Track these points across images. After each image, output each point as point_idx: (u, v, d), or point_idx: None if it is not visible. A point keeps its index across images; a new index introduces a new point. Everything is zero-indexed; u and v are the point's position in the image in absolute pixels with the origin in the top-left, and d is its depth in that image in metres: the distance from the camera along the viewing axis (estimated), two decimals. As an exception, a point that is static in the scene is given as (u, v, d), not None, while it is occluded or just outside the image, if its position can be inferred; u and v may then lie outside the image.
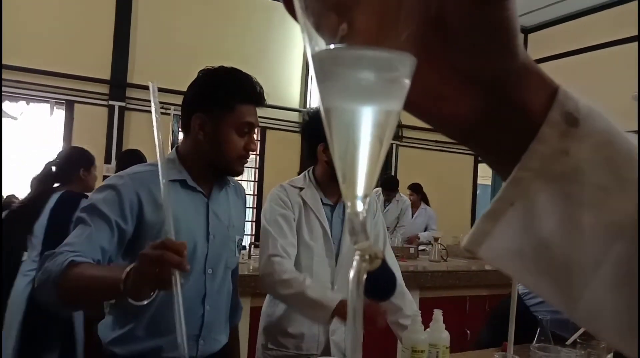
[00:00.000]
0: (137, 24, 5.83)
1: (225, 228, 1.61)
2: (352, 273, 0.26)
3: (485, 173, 8.10)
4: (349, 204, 0.27)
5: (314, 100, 6.05)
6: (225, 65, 1.60)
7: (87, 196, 2.58)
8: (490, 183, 8.57)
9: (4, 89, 5.01)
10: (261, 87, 1.57)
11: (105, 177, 4.04)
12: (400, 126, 6.63)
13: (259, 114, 1.59)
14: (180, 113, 1.66)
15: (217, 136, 1.51)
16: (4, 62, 4.73)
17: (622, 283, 0.29)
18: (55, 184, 3.04)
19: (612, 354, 1.63)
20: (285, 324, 1.93)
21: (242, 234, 1.75)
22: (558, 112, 0.30)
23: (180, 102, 1.63)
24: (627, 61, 5.85)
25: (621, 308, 0.29)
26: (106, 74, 5.66)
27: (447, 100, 0.32)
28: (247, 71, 1.59)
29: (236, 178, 1.74)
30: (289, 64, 6.61)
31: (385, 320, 1.67)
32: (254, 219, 6.37)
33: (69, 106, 5.53)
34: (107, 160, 5.51)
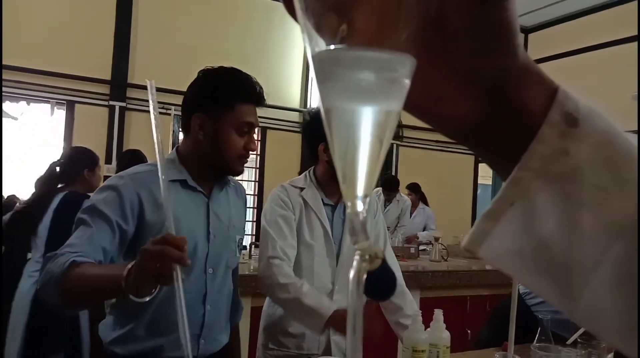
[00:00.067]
0: (138, 24, 5.83)
1: (225, 227, 1.61)
2: (352, 273, 0.26)
3: (485, 173, 8.10)
4: (349, 204, 0.27)
5: (315, 100, 6.06)
6: (225, 65, 1.60)
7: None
8: (490, 183, 8.57)
9: (4, 89, 5.01)
10: (261, 87, 1.57)
11: (106, 177, 4.04)
12: (400, 126, 6.63)
13: (259, 114, 1.59)
14: (180, 113, 1.66)
15: (217, 135, 1.52)
16: (5, 62, 4.74)
17: (622, 283, 0.29)
18: (60, 185, 3.04)
19: (612, 354, 1.63)
20: (286, 324, 1.93)
21: (243, 234, 1.76)
22: (558, 112, 0.30)
23: (180, 103, 1.63)
24: (627, 61, 5.85)
25: (621, 308, 0.29)
26: (107, 75, 5.66)
27: (447, 100, 0.32)
28: (247, 71, 1.59)
29: (236, 178, 1.74)
30: (289, 64, 6.61)
31: (381, 328, 1.68)
32: (255, 219, 6.38)
33: (70, 106, 5.53)
34: (108, 160, 5.51)
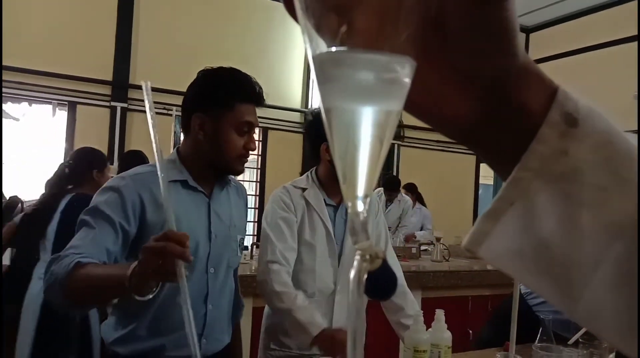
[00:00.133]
0: (139, 25, 5.83)
1: (226, 227, 1.62)
2: (352, 273, 0.26)
3: (486, 173, 8.10)
4: (349, 204, 0.27)
5: (316, 100, 6.06)
6: (226, 65, 1.61)
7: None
8: (492, 183, 8.57)
9: (6, 90, 5.02)
10: (260, 87, 1.58)
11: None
12: (401, 126, 6.64)
13: (260, 115, 1.59)
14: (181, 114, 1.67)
15: (217, 135, 1.52)
16: (6, 63, 4.74)
17: (622, 283, 0.29)
18: (69, 186, 3.05)
19: (614, 354, 1.63)
20: (288, 324, 1.93)
21: (244, 233, 1.76)
22: (557, 112, 0.30)
23: (181, 103, 1.64)
24: (627, 61, 5.84)
25: (621, 308, 0.29)
26: (108, 75, 5.67)
27: (447, 100, 0.32)
28: (248, 71, 1.59)
29: (237, 178, 1.74)
30: (290, 64, 6.61)
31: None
32: (256, 220, 6.38)
33: (71, 107, 5.54)
34: (110, 161, 5.51)
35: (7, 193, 4.19)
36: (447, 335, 1.72)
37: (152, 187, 1.46)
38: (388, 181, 5.86)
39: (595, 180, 0.30)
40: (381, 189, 5.77)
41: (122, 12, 5.75)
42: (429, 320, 1.73)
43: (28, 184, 5.36)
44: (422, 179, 6.91)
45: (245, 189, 1.84)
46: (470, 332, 3.82)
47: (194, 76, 1.60)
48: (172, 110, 5.09)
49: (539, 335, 1.65)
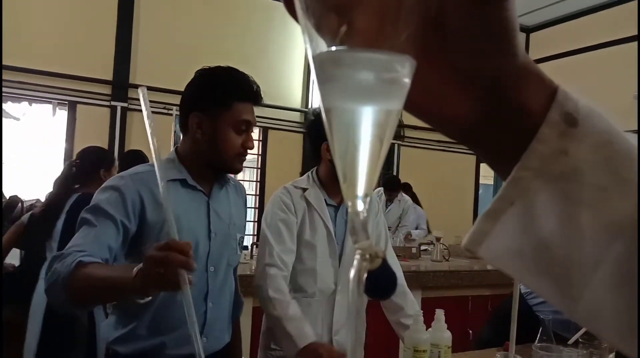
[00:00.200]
0: (139, 24, 5.83)
1: (226, 226, 1.62)
2: (352, 273, 0.26)
3: (487, 173, 8.10)
4: (349, 203, 0.27)
5: (316, 100, 6.06)
6: (226, 65, 1.61)
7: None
8: (492, 183, 8.57)
9: (6, 89, 5.02)
10: (258, 86, 1.58)
11: (107, 177, 4.04)
12: (402, 125, 6.64)
13: (260, 114, 1.60)
14: (180, 113, 1.67)
15: (215, 134, 1.53)
16: (6, 63, 4.74)
17: (621, 283, 0.29)
18: (76, 185, 3.05)
19: (614, 354, 1.63)
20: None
21: (243, 232, 1.77)
22: (557, 112, 0.30)
23: (179, 103, 1.65)
24: (627, 61, 5.84)
25: (621, 308, 0.29)
26: (108, 75, 5.67)
27: (447, 100, 0.32)
28: (248, 71, 1.60)
29: (237, 178, 1.75)
30: (290, 63, 6.61)
31: None
32: (256, 220, 6.38)
33: (72, 107, 5.54)
34: (112, 161, 5.52)
35: (7, 193, 4.20)
36: (447, 335, 1.72)
37: (151, 186, 1.46)
38: (388, 181, 5.86)
39: (595, 180, 0.30)
40: (381, 189, 5.77)
41: (122, 11, 5.75)
42: (428, 320, 1.73)
43: (28, 183, 5.36)
44: (422, 179, 6.90)
45: (244, 188, 1.84)
46: (470, 331, 3.82)
47: (194, 76, 1.60)
48: (172, 110, 5.09)
49: (538, 335, 1.65)
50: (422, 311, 1.77)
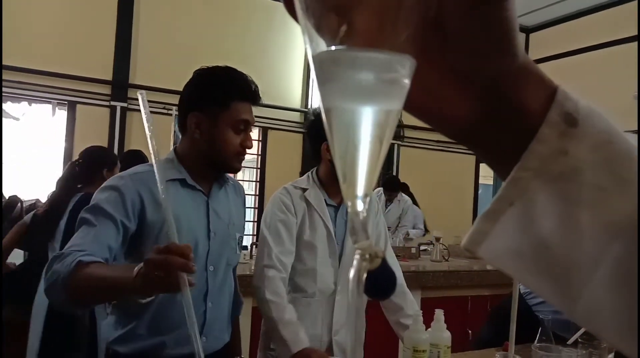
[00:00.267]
0: (139, 24, 5.83)
1: (225, 225, 1.63)
2: (352, 272, 0.26)
3: (486, 173, 8.10)
4: (349, 203, 0.27)
5: (316, 100, 6.05)
6: (228, 66, 1.61)
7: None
8: (491, 183, 8.57)
9: (6, 89, 5.02)
10: (256, 86, 1.59)
11: (106, 177, 4.03)
12: (401, 126, 6.64)
13: (260, 114, 1.60)
14: (180, 114, 1.67)
15: (213, 134, 1.53)
16: (6, 62, 4.74)
17: (621, 283, 0.29)
18: (79, 185, 3.05)
19: (613, 354, 1.63)
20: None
21: (242, 232, 1.77)
22: (557, 112, 0.30)
23: (178, 102, 1.65)
24: (627, 61, 5.84)
25: (620, 308, 0.29)
26: (108, 75, 5.67)
27: (447, 100, 0.32)
28: (248, 70, 1.60)
29: (236, 178, 1.75)
30: (290, 64, 6.61)
31: None
32: (256, 220, 6.38)
33: (71, 107, 5.54)
34: (110, 161, 5.51)
35: (7, 193, 4.19)
36: (447, 335, 1.72)
37: (151, 186, 1.47)
38: (388, 181, 5.86)
39: (595, 180, 0.30)
40: (381, 189, 5.77)
41: (122, 11, 5.74)
42: (428, 320, 1.73)
43: (27, 183, 5.36)
44: (421, 179, 6.90)
45: (243, 188, 1.85)
46: (470, 331, 3.82)
47: (194, 76, 1.61)
48: (172, 110, 5.09)
49: (538, 335, 1.65)
50: (421, 311, 1.77)
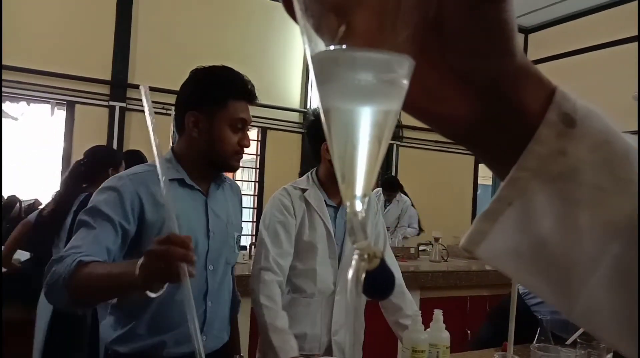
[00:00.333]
0: (138, 24, 5.83)
1: (224, 225, 1.63)
2: (351, 273, 0.26)
3: (485, 173, 8.09)
4: (348, 204, 0.27)
5: (315, 100, 6.05)
6: (225, 65, 1.62)
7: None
8: (490, 183, 8.57)
9: (5, 89, 5.01)
10: (252, 85, 1.60)
11: (105, 177, 4.03)
12: (400, 126, 6.64)
13: (259, 114, 1.61)
14: (178, 114, 1.68)
15: (211, 132, 1.54)
16: (5, 62, 4.74)
17: (619, 283, 0.29)
18: (84, 185, 3.05)
19: (611, 354, 1.63)
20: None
21: (240, 231, 1.78)
22: (555, 113, 0.30)
23: (175, 102, 1.65)
24: (627, 61, 5.85)
25: (618, 308, 0.29)
26: (107, 75, 5.66)
27: (446, 100, 0.32)
28: (247, 71, 1.61)
29: (236, 178, 1.75)
30: (289, 64, 6.61)
31: None
32: (255, 220, 6.37)
33: (70, 107, 5.53)
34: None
35: (5, 193, 4.20)
36: (446, 335, 1.72)
37: (150, 186, 1.47)
38: (387, 181, 5.86)
39: (594, 180, 0.30)
40: (380, 189, 5.77)
41: (121, 11, 5.74)
42: (427, 320, 1.73)
43: (26, 183, 5.36)
44: (420, 180, 6.90)
45: (239, 187, 1.86)
46: (469, 332, 3.82)
47: (192, 76, 1.61)
48: (170, 110, 5.08)
49: (537, 335, 1.65)
50: (420, 312, 1.78)
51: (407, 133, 7.07)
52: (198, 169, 1.59)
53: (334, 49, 0.26)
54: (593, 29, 7.00)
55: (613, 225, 0.29)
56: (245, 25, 6.26)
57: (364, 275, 0.26)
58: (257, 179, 6.53)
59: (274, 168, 6.44)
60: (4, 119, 5.38)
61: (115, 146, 5.58)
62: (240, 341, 1.95)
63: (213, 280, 1.59)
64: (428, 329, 1.73)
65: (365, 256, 0.26)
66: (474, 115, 0.32)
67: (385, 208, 5.87)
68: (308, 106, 6.57)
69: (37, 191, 4.94)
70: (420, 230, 6.10)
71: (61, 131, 5.53)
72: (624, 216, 0.29)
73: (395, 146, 7.19)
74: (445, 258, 4.65)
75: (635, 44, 5.62)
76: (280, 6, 0.28)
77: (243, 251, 4.00)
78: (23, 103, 5.55)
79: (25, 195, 4.57)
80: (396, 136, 6.98)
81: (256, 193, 6.52)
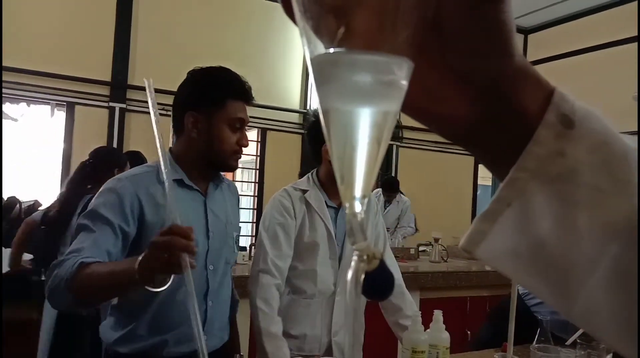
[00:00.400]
0: (138, 25, 5.83)
1: (223, 224, 1.64)
2: (350, 273, 0.26)
3: (485, 174, 8.09)
4: (347, 205, 0.27)
5: (314, 101, 6.04)
6: (225, 66, 1.63)
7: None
8: (490, 184, 8.56)
9: (5, 90, 5.01)
10: (249, 85, 1.61)
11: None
12: (400, 127, 6.63)
13: (259, 116, 1.62)
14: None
15: (210, 132, 1.54)
16: (5, 64, 4.74)
17: (618, 284, 0.29)
18: (89, 186, 3.06)
19: (611, 355, 1.63)
20: (287, 325, 1.93)
21: (239, 231, 1.79)
22: (554, 114, 0.31)
23: (172, 103, 1.66)
24: (627, 62, 5.85)
25: (617, 308, 0.29)
26: (107, 76, 5.66)
27: (445, 101, 0.32)
28: (247, 71, 1.62)
29: (235, 179, 1.76)
30: (289, 64, 6.61)
31: None
32: (255, 221, 6.37)
33: (70, 108, 5.53)
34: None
35: (5, 194, 4.19)
36: (445, 336, 1.72)
37: (149, 187, 1.47)
38: (386, 182, 5.86)
39: (592, 181, 0.30)
40: (379, 190, 5.77)
41: (121, 12, 5.74)
42: (427, 321, 1.73)
43: (26, 184, 5.35)
44: (420, 180, 6.90)
45: (237, 187, 1.86)
46: (469, 332, 3.82)
47: (193, 77, 1.61)
48: (170, 111, 5.08)
49: (536, 336, 1.65)
50: (420, 312, 1.78)
51: (406, 134, 7.06)
52: (197, 169, 1.59)
53: (333, 52, 0.26)
54: (593, 29, 7.00)
55: (612, 226, 0.29)
56: (245, 26, 6.26)
57: (363, 276, 0.26)
58: (257, 180, 6.53)
59: (274, 169, 6.44)
60: (3, 121, 5.38)
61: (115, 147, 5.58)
62: (240, 340, 1.95)
63: (213, 279, 1.60)
64: (428, 330, 1.73)
65: (365, 257, 0.26)
66: (474, 115, 0.32)
67: (385, 208, 5.86)
68: (308, 107, 6.57)
69: (37, 192, 4.93)
70: (416, 229, 6.10)
71: (61, 132, 5.53)
72: (622, 217, 0.29)
73: (395, 147, 7.19)
74: (445, 259, 4.66)
75: (635, 44, 5.62)
76: (279, 7, 0.29)
77: (243, 252, 4.00)
78: (23, 104, 5.54)
79: (25, 196, 4.57)
80: (396, 137, 6.98)
81: (256, 194, 6.51)
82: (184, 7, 6.00)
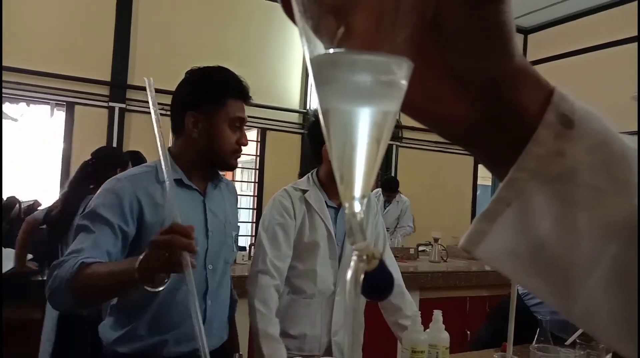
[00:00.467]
0: (138, 25, 5.83)
1: (222, 224, 1.64)
2: (349, 273, 0.26)
3: (485, 174, 8.09)
4: (346, 205, 0.27)
5: (314, 101, 6.04)
6: (225, 66, 1.63)
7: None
8: (490, 184, 8.57)
9: (4, 90, 5.01)
10: (247, 85, 1.62)
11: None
12: (400, 127, 6.64)
13: (259, 115, 1.63)
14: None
15: (211, 132, 1.55)
16: (5, 63, 4.74)
17: (617, 283, 0.29)
18: (91, 186, 3.06)
19: (611, 355, 1.63)
20: (287, 325, 1.93)
21: (238, 230, 1.79)
22: (553, 114, 0.31)
23: (171, 103, 1.66)
24: (627, 62, 5.85)
25: (617, 309, 0.29)
26: (106, 76, 5.66)
27: (444, 101, 0.32)
28: (247, 71, 1.62)
29: (234, 179, 1.76)
30: (289, 64, 6.61)
31: None
32: (254, 221, 6.37)
33: (70, 108, 5.53)
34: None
35: (5, 194, 4.19)
36: (445, 336, 1.72)
37: (148, 187, 1.47)
38: (386, 182, 5.86)
39: (592, 181, 0.30)
40: (379, 189, 5.77)
41: (120, 12, 5.74)
42: (426, 321, 1.73)
43: (26, 184, 5.35)
44: (420, 180, 6.90)
45: (235, 187, 1.87)
46: (468, 332, 3.83)
47: (195, 78, 1.62)
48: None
49: (536, 336, 1.65)
50: (420, 312, 1.78)
51: (406, 134, 7.07)
52: (196, 169, 1.60)
53: (332, 52, 0.26)
54: (593, 29, 7.00)
55: (611, 225, 0.29)
56: (245, 25, 6.26)
57: (362, 276, 0.26)
58: (257, 180, 6.53)
59: (274, 169, 6.44)
60: (3, 120, 5.38)
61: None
62: (239, 340, 1.95)
63: (212, 279, 1.60)
64: (427, 330, 1.73)
65: (364, 257, 0.26)
66: (473, 115, 0.32)
67: (385, 208, 5.86)
68: (308, 107, 6.57)
69: (37, 192, 4.94)
70: (413, 229, 6.11)
71: (61, 132, 5.52)
72: (622, 217, 0.29)
73: (394, 147, 7.19)
74: (445, 259, 4.66)
75: (635, 44, 5.62)
76: (279, 7, 0.29)
77: (242, 252, 4.00)
78: (23, 104, 5.54)
79: (24, 196, 4.57)
80: (396, 137, 6.98)
81: (256, 194, 6.51)
82: (184, 7, 6.00)
